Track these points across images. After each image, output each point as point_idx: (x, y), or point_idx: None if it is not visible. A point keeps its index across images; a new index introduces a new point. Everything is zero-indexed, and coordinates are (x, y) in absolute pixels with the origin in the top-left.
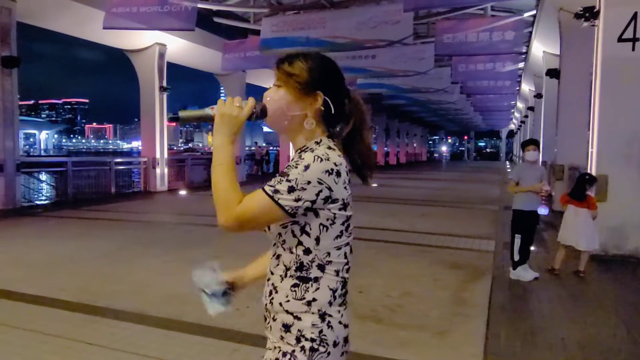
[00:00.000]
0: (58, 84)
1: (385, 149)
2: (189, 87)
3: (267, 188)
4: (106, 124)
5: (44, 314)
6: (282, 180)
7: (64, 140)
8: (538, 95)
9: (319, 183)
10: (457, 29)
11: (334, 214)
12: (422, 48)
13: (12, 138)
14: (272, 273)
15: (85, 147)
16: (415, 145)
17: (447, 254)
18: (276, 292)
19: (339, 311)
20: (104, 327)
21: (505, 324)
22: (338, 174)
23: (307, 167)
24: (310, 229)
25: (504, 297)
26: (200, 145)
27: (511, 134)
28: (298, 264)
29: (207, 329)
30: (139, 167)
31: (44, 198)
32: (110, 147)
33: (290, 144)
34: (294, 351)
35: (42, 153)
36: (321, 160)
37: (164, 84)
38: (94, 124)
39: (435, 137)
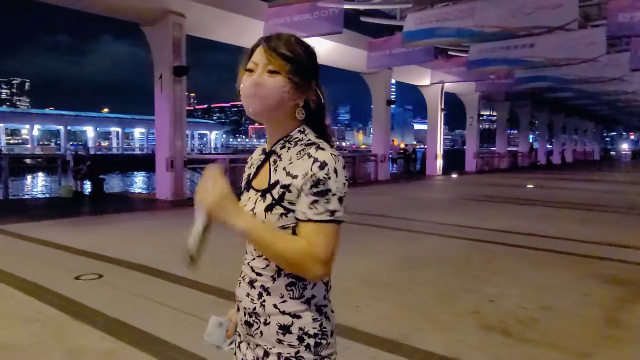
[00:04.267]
0: (227, 89)
1: (549, 146)
2: (340, 87)
3: (323, 217)
4: (251, 125)
5: (184, 294)
6: (330, 199)
7: (230, 140)
8: None
9: (346, 181)
10: (636, 6)
11: None
12: (591, 32)
13: (181, 138)
14: (259, 274)
15: (249, 145)
16: (585, 142)
17: (605, 266)
18: (268, 294)
19: (330, 300)
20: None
21: None
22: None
23: (337, 172)
24: None
25: None
26: (348, 143)
27: None
28: None
29: None
30: None
31: None
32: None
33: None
34: (298, 352)
35: (212, 151)
36: (338, 158)
37: None
38: (256, 124)
39: (612, 133)
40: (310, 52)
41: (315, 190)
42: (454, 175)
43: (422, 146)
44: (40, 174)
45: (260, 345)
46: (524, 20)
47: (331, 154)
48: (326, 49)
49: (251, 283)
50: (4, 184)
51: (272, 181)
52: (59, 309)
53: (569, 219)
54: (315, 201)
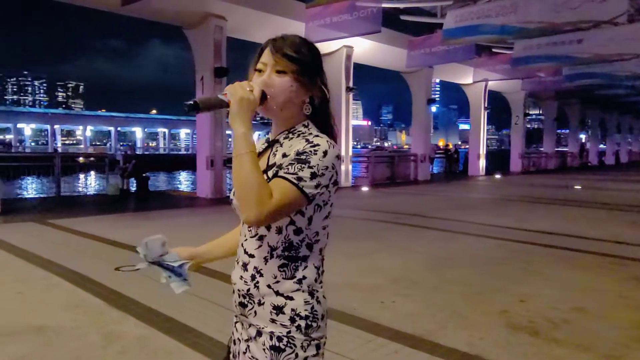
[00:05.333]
0: None
1: (602, 146)
2: (383, 87)
3: (289, 177)
4: None
5: (215, 286)
6: (304, 167)
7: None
8: None
9: (332, 168)
10: None
11: (330, 196)
12: None
13: (221, 138)
14: (251, 256)
15: None
16: None
17: None
18: (261, 275)
19: (321, 286)
20: None
21: None
22: (341, 158)
23: (325, 153)
24: (306, 209)
25: None
26: (389, 144)
27: None
28: (287, 244)
29: (347, 317)
30: None
31: None
32: None
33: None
34: (289, 332)
35: None
36: (333, 146)
37: (350, 84)
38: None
39: None
40: (314, 52)
41: (296, 157)
42: (498, 176)
43: (467, 146)
44: (91, 172)
45: (253, 325)
46: (569, 15)
47: (327, 141)
48: (366, 48)
49: (244, 266)
50: (57, 182)
51: (269, 163)
52: (99, 297)
53: (616, 221)
54: (291, 164)
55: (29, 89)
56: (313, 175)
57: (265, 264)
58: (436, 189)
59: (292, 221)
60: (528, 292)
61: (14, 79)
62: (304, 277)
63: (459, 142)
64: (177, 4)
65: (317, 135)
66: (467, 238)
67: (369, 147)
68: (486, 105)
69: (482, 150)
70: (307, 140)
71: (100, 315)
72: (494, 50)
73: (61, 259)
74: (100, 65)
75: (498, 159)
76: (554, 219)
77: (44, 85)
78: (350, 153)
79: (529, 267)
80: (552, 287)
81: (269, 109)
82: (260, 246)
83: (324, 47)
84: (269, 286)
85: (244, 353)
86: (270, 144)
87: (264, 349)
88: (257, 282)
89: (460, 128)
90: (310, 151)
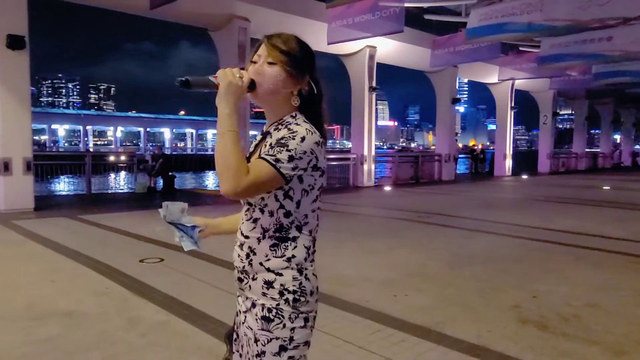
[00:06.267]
0: None
1: (637, 147)
2: (410, 88)
3: (268, 157)
4: (335, 125)
5: (232, 277)
6: (282, 150)
7: None
8: None
9: (311, 153)
10: None
11: (315, 180)
12: None
13: (243, 137)
14: (246, 237)
15: None
16: None
17: None
18: (254, 254)
19: (312, 264)
20: None
21: None
22: (323, 145)
23: (303, 139)
24: (294, 194)
25: None
26: (415, 144)
27: None
28: (277, 226)
29: (360, 309)
30: (347, 163)
31: None
32: (337, 146)
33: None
34: (278, 304)
35: None
36: (312, 133)
37: (373, 84)
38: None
39: None
40: (306, 50)
41: (277, 142)
42: (524, 176)
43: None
44: (121, 171)
45: (249, 297)
46: (597, 12)
47: (306, 129)
48: (389, 48)
49: (241, 246)
50: (88, 180)
51: (261, 154)
52: (123, 286)
53: None
54: (272, 147)
55: (63, 91)
56: (290, 158)
57: (259, 243)
58: (459, 188)
59: (281, 205)
60: (543, 288)
61: (49, 81)
62: (293, 256)
63: (487, 143)
64: (203, 6)
65: (298, 124)
66: (488, 236)
67: (395, 147)
68: (513, 105)
69: (509, 151)
70: (288, 128)
71: (124, 302)
72: (520, 48)
73: (90, 251)
74: (131, 67)
75: (526, 160)
76: (579, 219)
77: (77, 87)
78: (374, 153)
79: (547, 265)
80: (568, 284)
81: (258, 96)
82: (254, 228)
83: (346, 47)
84: (261, 263)
85: (243, 323)
86: (264, 135)
87: (256, 319)
88: (251, 259)
89: (489, 128)
90: (289, 136)
